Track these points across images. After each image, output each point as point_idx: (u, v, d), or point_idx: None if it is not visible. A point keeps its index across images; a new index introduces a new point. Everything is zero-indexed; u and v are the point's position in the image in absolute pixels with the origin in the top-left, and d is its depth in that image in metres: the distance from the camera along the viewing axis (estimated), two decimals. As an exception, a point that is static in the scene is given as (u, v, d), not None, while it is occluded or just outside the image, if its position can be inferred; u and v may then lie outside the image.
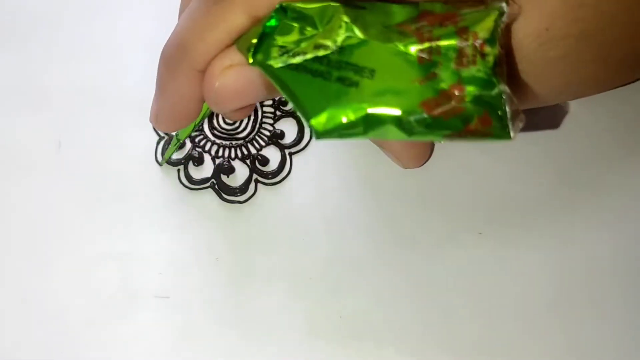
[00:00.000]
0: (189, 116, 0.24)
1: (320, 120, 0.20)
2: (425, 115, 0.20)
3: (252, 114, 0.31)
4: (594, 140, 0.31)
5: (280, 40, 0.21)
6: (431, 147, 0.27)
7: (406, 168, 0.27)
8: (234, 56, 0.22)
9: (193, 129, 0.29)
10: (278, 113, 0.31)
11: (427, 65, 0.20)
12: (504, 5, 0.21)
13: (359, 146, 0.30)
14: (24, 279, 0.29)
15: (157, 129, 0.27)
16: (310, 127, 0.20)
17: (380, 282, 0.28)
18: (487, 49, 0.20)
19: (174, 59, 0.23)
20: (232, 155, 0.31)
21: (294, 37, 0.21)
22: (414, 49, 0.20)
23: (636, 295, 0.28)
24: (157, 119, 0.25)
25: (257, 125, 0.31)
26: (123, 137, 0.31)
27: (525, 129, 0.21)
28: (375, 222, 0.29)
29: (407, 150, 0.25)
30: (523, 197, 0.30)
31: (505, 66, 0.21)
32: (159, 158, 0.31)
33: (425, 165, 0.30)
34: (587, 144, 0.30)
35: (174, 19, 0.28)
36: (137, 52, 0.32)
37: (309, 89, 0.20)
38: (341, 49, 0.20)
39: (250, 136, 0.31)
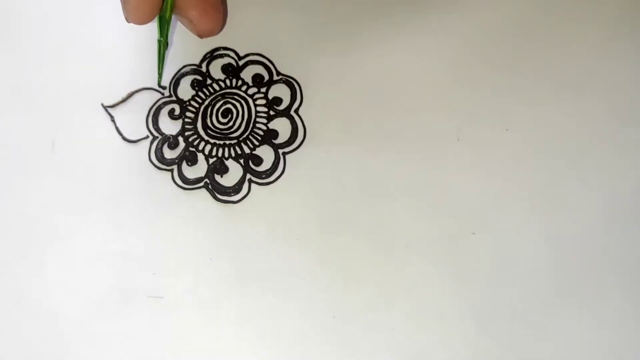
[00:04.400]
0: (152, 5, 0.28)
1: None
2: None
3: (246, 113, 0.31)
4: (587, 138, 0.31)
5: None
6: (223, 17, 0.31)
7: (202, 37, 0.30)
8: None
9: (167, 27, 0.30)
10: (272, 112, 0.31)
11: None
12: None
13: (355, 145, 0.30)
14: (17, 279, 0.29)
15: (130, 21, 0.29)
16: None
17: (374, 282, 0.28)
18: None
19: None
20: (226, 154, 0.31)
21: None
22: None
23: (633, 294, 0.28)
24: (127, 13, 0.28)
25: (251, 125, 0.31)
26: (117, 137, 0.31)
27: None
28: (369, 222, 0.29)
29: (202, 18, 0.30)
30: (517, 197, 0.30)
31: None
32: (153, 158, 0.31)
33: (419, 165, 0.30)
34: (580, 142, 0.30)
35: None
36: (131, 52, 0.32)
37: None
38: None
39: (244, 136, 0.31)
